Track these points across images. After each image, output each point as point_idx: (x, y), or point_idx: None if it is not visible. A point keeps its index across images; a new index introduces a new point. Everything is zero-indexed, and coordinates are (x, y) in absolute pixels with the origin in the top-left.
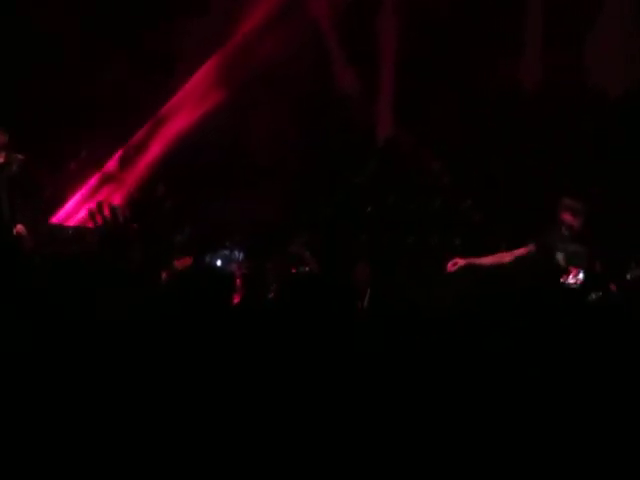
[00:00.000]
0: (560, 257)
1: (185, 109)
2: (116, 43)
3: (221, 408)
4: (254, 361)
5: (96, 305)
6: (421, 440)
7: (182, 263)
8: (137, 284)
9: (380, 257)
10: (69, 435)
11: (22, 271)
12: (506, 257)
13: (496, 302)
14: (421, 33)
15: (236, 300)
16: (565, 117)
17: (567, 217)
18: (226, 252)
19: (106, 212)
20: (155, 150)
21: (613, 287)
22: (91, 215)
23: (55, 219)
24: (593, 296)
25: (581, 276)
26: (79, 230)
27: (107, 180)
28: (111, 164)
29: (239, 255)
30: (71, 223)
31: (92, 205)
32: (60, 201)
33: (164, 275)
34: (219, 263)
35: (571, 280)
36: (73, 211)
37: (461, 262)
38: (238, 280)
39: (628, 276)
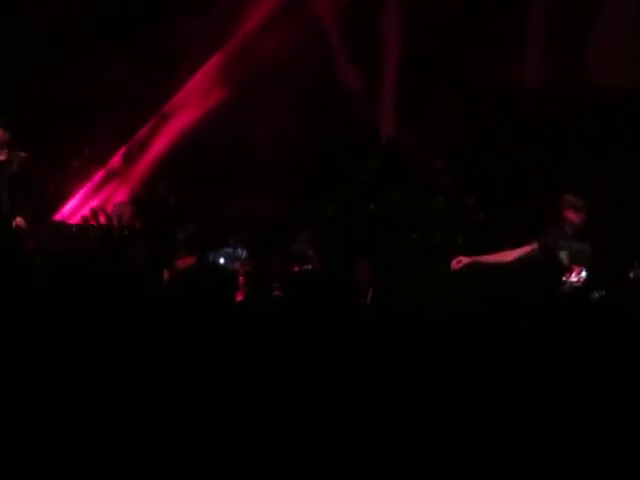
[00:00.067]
0: (563, 255)
1: (188, 107)
2: (118, 42)
3: (224, 405)
4: (257, 359)
5: (96, 304)
6: (423, 437)
7: (184, 262)
8: (138, 283)
9: (383, 255)
10: (70, 434)
11: (22, 270)
12: (510, 255)
13: (499, 301)
14: (424, 31)
15: (239, 298)
16: (566, 117)
17: (569, 214)
18: (229, 250)
19: (101, 218)
20: (158, 147)
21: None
22: (85, 221)
23: (59, 217)
24: (596, 295)
25: (584, 274)
26: (83, 227)
27: (110, 177)
28: (114, 161)
29: (242, 253)
30: (75, 220)
31: (91, 207)
32: (63, 199)
33: (166, 274)
34: (222, 261)
35: (573, 278)
36: (77, 208)
37: (465, 260)
38: (241, 278)
39: (631, 275)
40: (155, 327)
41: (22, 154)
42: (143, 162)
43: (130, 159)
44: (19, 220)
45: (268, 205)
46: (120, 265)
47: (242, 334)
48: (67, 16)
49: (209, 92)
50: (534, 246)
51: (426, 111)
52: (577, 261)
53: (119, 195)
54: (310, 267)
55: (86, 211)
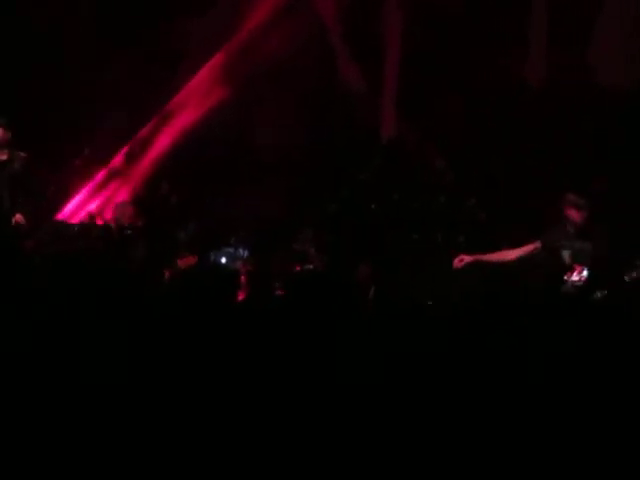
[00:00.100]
0: (566, 255)
1: (189, 106)
2: (118, 41)
3: (226, 404)
4: (259, 358)
5: (95, 304)
6: (424, 437)
7: (185, 262)
8: (138, 283)
9: (384, 255)
10: (70, 435)
11: (22, 270)
12: (512, 254)
13: (500, 300)
14: (425, 30)
15: (241, 297)
16: (567, 116)
17: (571, 213)
18: (231, 249)
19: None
20: (160, 147)
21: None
22: (87, 221)
23: (60, 216)
24: (598, 294)
25: (585, 273)
26: (84, 227)
27: (112, 177)
28: (117, 160)
29: (244, 252)
30: (76, 220)
31: (92, 207)
32: (64, 198)
33: (167, 274)
34: (224, 260)
35: (575, 278)
36: (78, 208)
37: (468, 259)
38: (243, 277)
39: (634, 274)
40: (156, 327)
41: (22, 154)
42: (145, 161)
43: (132, 158)
44: (18, 217)
45: (270, 204)
46: (121, 265)
47: (243, 333)
48: (67, 16)
49: (210, 91)
50: (537, 245)
51: (427, 110)
52: (579, 260)
53: (121, 194)
54: (312, 266)
55: (88, 210)
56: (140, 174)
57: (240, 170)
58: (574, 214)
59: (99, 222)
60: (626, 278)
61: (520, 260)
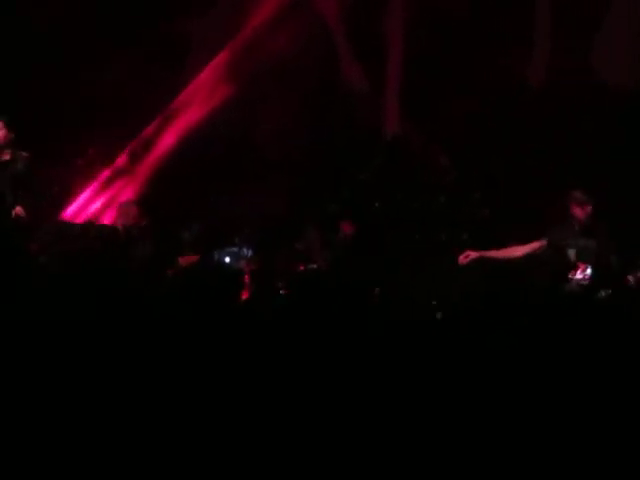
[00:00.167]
0: (571, 253)
1: (194, 105)
2: (121, 41)
3: (227, 403)
4: (262, 358)
5: (97, 304)
6: (424, 436)
7: (187, 260)
8: (141, 283)
9: (387, 254)
10: (73, 434)
11: (26, 270)
12: (518, 251)
13: (502, 299)
14: (428, 31)
15: (245, 297)
16: (570, 117)
17: (576, 210)
18: (234, 249)
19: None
20: (164, 146)
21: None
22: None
23: (65, 216)
24: (602, 294)
25: (589, 271)
26: (87, 227)
27: (116, 176)
28: (121, 159)
29: (247, 252)
30: (80, 220)
31: (97, 206)
32: (68, 198)
33: (170, 273)
34: (227, 260)
35: (579, 276)
36: (83, 208)
37: (473, 254)
38: (246, 277)
39: (639, 274)
40: (158, 326)
41: (25, 154)
42: (149, 160)
43: (136, 158)
44: (19, 209)
45: (274, 202)
46: (124, 265)
47: (247, 333)
48: (68, 16)
49: (214, 90)
50: (542, 243)
51: (430, 110)
52: (584, 258)
53: (125, 194)
54: (315, 266)
55: (92, 210)
56: (145, 173)
57: (244, 168)
58: (579, 212)
59: (103, 222)
60: (630, 278)
61: (525, 257)
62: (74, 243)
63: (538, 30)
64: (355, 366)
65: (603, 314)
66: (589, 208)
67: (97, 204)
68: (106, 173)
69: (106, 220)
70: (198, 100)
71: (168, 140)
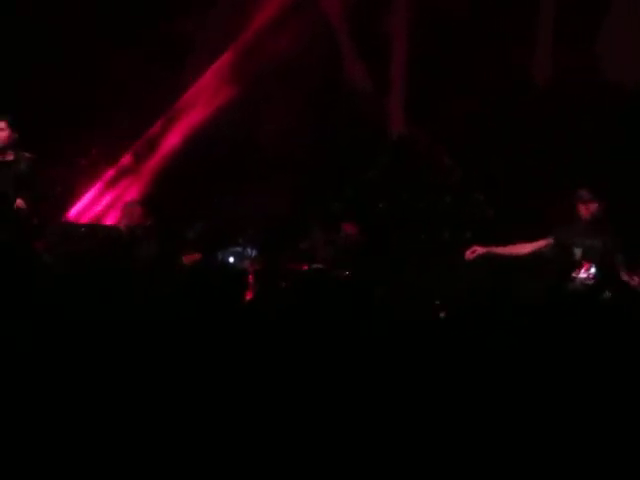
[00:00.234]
0: (577, 252)
1: (199, 104)
2: (126, 41)
3: (231, 403)
4: (266, 358)
5: (100, 304)
6: (424, 437)
7: (190, 259)
8: (145, 283)
9: (391, 254)
10: (75, 433)
11: (33, 270)
12: (525, 248)
13: (507, 297)
14: (432, 29)
15: (249, 297)
16: (574, 115)
17: (581, 208)
18: (238, 249)
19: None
20: (168, 146)
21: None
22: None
23: (69, 216)
24: (609, 294)
25: (592, 270)
26: (92, 227)
27: (120, 176)
28: (125, 159)
29: (251, 252)
30: (85, 220)
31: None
32: (73, 198)
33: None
34: (232, 260)
35: (582, 275)
36: (87, 208)
37: (480, 250)
38: (251, 277)
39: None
40: (162, 326)
41: (28, 154)
42: (153, 160)
43: (140, 158)
44: (19, 202)
45: (277, 202)
46: (129, 265)
47: (251, 332)
48: (72, 16)
49: (218, 90)
50: (549, 241)
51: (434, 110)
52: (590, 258)
53: (129, 194)
54: (320, 266)
55: (96, 210)
56: (149, 173)
57: (248, 168)
58: (584, 210)
59: (108, 222)
60: (632, 277)
61: (531, 256)
62: (79, 244)
63: (542, 29)
64: (358, 366)
65: (605, 314)
66: (594, 206)
67: (101, 204)
68: (110, 173)
69: (110, 220)
70: (202, 100)
71: (172, 140)
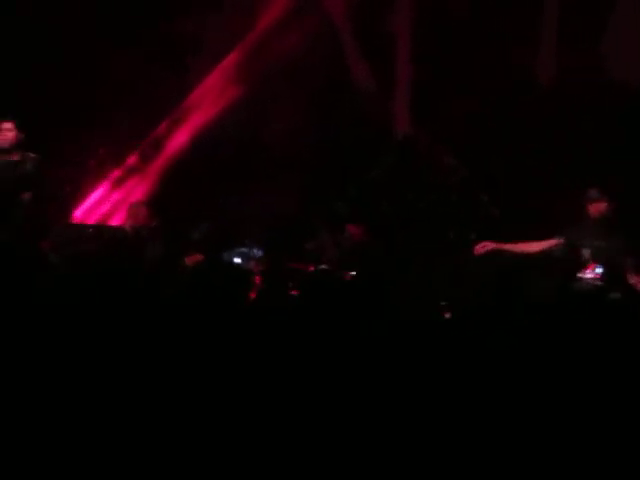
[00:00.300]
0: (586, 252)
1: (204, 104)
2: (134, 38)
3: (236, 403)
4: (270, 359)
5: (105, 304)
6: (433, 437)
7: (192, 260)
8: (150, 283)
9: (396, 254)
10: (78, 431)
11: (39, 271)
12: (535, 246)
13: (513, 298)
14: (436, 29)
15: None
16: (577, 115)
17: (590, 208)
18: (244, 249)
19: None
20: (175, 145)
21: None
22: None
23: (76, 217)
24: (616, 294)
25: (598, 270)
26: (98, 228)
27: (126, 177)
28: (131, 160)
29: (257, 252)
30: (91, 220)
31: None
32: (79, 199)
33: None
34: (238, 260)
35: (588, 275)
36: (93, 208)
37: (490, 245)
38: (257, 278)
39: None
40: (166, 326)
41: (33, 155)
42: (159, 161)
43: (146, 158)
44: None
45: (283, 202)
46: (135, 265)
47: (256, 333)
48: (77, 15)
49: (224, 90)
50: (559, 241)
51: (438, 109)
52: (599, 258)
53: (135, 194)
54: (325, 267)
55: (102, 211)
56: (155, 174)
57: (253, 168)
58: (593, 210)
59: (113, 223)
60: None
61: (540, 255)
62: (86, 245)
63: (545, 29)
64: (364, 366)
65: (612, 314)
66: (603, 206)
67: (107, 205)
68: (116, 174)
69: (116, 221)
70: (207, 100)
71: (178, 140)
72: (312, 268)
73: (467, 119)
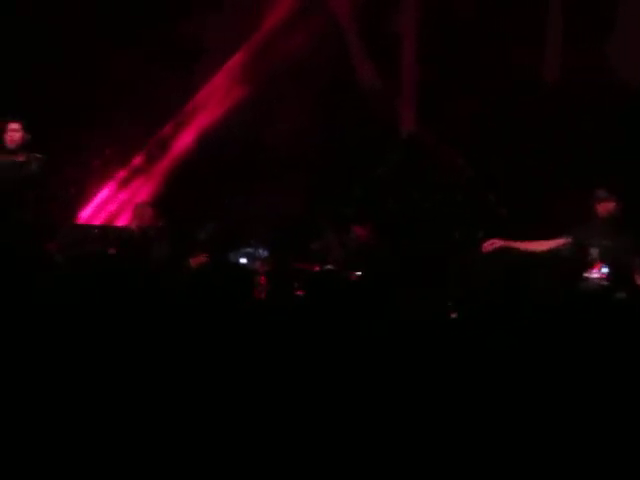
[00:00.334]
0: (594, 252)
1: (210, 104)
2: (139, 38)
3: (239, 404)
4: (276, 359)
5: (110, 304)
6: (442, 438)
7: (197, 261)
8: (156, 284)
9: (402, 253)
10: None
11: (44, 272)
12: (543, 245)
13: (519, 297)
14: (441, 29)
15: (261, 298)
16: (583, 115)
17: (598, 208)
18: (250, 250)
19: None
20: (181, 145)
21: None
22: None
23: (81, 217)
24: (622, 294)
25: (604, 270)
26: (104, 228)
27: (132, 177)
28: (137, 160)
29: (263, 253)
30: (97, 221)
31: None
32: (85, 200)
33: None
34: (244, 261)
35: (594, 274)
36: (99, 209)
37: (498, 243)
38: (262, 278)
39: None
40: (170, 326)
41: (39, 155)
42: (165, 161)
43: (152, 158)
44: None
45: (289, 203)
46: (141, 266)
47: (262, 333)
48: (83, 15)
49: (229, 91)
50: (567, 240)
51: (443, 109)
52: (606, 258)
53: (141, 195)
54: (331, 267)
55: (108, 211)
56: (160, 174)
57: (259, 168)
58: (601, 209)
59: (119, 223)
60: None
61: (548, 254)
62: (92, 245)
63: (550, 29)
64: (370, 366)
65: (618, 314)
66: (611, 206)
67: (113, 205)
68: (122, 174)
69: (122, 221)
70: (213, 101)
71: (184, 141)
72: (318, 268)
73: (472, 119)
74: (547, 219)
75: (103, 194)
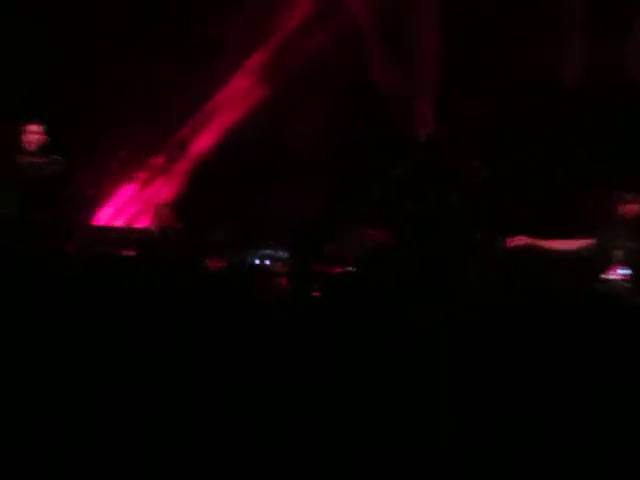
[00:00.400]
0: (618, 254)
1: (229, 106)
2: (158, 40)
3: (246, 405)
4: (294, 359)
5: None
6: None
7: (214, 263)
8: (172, 284)
9: (422, 253)
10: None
11: (61, 273)
12: (569, 244)
13: (539, 298)
14: (460, 30)
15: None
16: (604, 116)
17: (623, 209)
18: (270, 251)
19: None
20: (200, 146)
21: None
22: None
23: (101, 219)
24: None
25: (621, 272)
26: (122, 230)
27: (152, 178)
28: (156, 161)
29: (283, 254)
30: (118, 222)
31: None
32: (103, 201)
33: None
34: (266, 262)
35: (611, 276)
36: (118, 210)
37: (524, 240)
38: (284, 280)
39: None
40: (185, 327)
41: (56, 157)
42: (184, 162)
43: (171, 159)
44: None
45: (308, 204)
46: (158, 267)
47: (281, 333)
48: (97, 15)
49: (249, 92)
50: (592, 241)
51: (462, 110)
52: (630, 260)
53: (160, 196)
54: (351, 268)
55: (127, 213)
56: (180, 175)
57: (278, 170)
58: (627, 211)
59: (138, 225)
60: None
61: (571, 254)
62: (110, 247)
63: (572, 29)
64: (389, 367)
65: (634, 317)
66: (637, 207)
67: (132, 207)
68: (141, 175)
69: (141, 223)
70: (233, 102)
71: (204, 142)
72: (338, 270)
73: (492, 119)
74: (571, 219)
75: (123, 195)
